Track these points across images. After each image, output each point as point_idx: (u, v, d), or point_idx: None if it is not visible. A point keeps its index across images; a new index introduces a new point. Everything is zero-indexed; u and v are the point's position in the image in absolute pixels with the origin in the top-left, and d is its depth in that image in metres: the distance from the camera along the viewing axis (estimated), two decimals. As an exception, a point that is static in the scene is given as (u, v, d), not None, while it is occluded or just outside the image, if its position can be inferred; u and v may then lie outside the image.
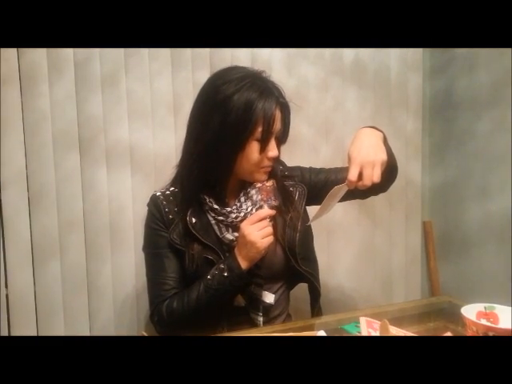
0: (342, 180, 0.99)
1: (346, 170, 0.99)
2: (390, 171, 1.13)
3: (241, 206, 1.13)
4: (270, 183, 1.16)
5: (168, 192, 1.17)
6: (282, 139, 1.15)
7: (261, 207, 1.13)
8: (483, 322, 0.85)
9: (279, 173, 1.22)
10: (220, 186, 1.14)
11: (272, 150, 1.10)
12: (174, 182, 1.20)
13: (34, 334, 1.34)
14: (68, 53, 1.33)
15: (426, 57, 1.90)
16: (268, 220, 1.10)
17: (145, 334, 1.34)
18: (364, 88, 1.78)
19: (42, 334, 1.34)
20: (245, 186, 1.16)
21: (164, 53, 1.46)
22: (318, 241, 1.32)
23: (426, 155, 1.95)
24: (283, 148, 1.19)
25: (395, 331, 0.89)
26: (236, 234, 1.11)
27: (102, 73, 1.38)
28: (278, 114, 1.09)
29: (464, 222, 1.79)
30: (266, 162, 1.12)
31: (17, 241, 1.30)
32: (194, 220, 1.12)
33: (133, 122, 1.44)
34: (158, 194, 1.17)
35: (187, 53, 1.48)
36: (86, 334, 1.41)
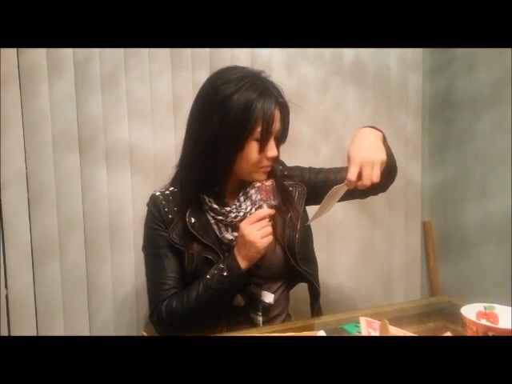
0: (342, 180, 0.99)
1: (345, 169, 0.99)
2: (390, 171, 1.13)
3: (240, 206, 1.13)
4: (269, 183, 1.16)
5: (167, 192, 1.17)
6: (281, 139, 1.15)
7: (260, 207, 1.13)
8: (483, 321, 0.85)
9: (279, 172, 1.22)
10: (219, 185, 1.14)
11: (271, 150, 1.10)
12: (173, 182, 1.20)
13: (33, 333, 1.34)
14: (68, 53, 1.33)
15: (425, 57, 1.90)
16: (267, 220, 1.10)
17: (144, 334, 1.34)
18: (364, 88, 1.78)
19: (42, 333, 1.34)
20: (244, 185, 1.16)
21: (164, 53, 1.46)
22: (318, 241, 1.33)
23: (426, 155, 1.95)
24: (283, 148, 1.19)
25: (395, 331, 0.89)
26: (235, 234, 1.11)
27: (102, 73, 1.38)
28: (277, 114, 1.09)
29: (464, 222, 1.79)
30: (266, 162, 1.12)
31: (16, 241, 1.30)
32: (193, 220, 1.12)
33: (133, 121, 1.44)
34: (158, 193, 1.17)
35: (187, 53, 1.48)
36: (86, 333, 1.41)
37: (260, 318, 1.13)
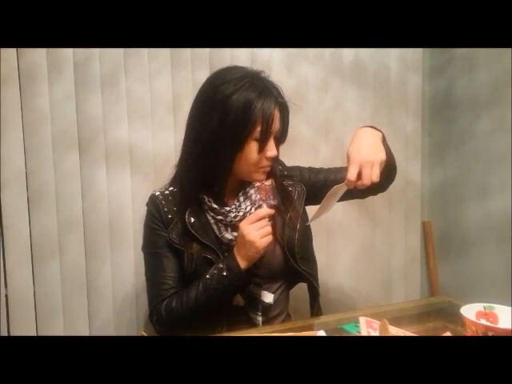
0: (342, 180, 0.99)
1: (345, 169, 0.98)
2: (389, 171, 1.13)
3: (240, 206, 1.13)
4: (268, 182, 1.16)
5: (167, 192, 1.17)
6: (280, 139, 1.15)
7: (260, 206, 1.13)
8: (483, 321, 0.85)
9: (278, 172, 1.22)
10: (219, 185, 1.14)
11: (271, 150, 1.10)
12: (173, 182, 1.20)
13: (33, 333, 1.34)
14: (68, 53, 1.33)
15: (425, 57, 1.90)
16: (267, 219, 1.10)
17: (144, 334, 1.34)
18: (364, 88, 1.78)
19: (42, 333, 1.34)
20: (244, 185, 1.16)
21: (163, 53, 1.46)
22: (318, 241, 1.33)
23: (426, 155, 1.95)
24: (282, 148, 1.19)
25: (395, 331, 0.89)
26: (235, 234, 1.11)
27: (102, 73, 1.38)
28: (276, 114, 1.09)
29: (464, 222, 1.79)
30: (265, 162, 1.12)
31: (16, 240, 1.31)
32: (192, 220, 1.12)
33: (132, 121, 1.44)
34: (157, 193, 1.17)
35: (187, 53, 1.48)
36: (86, 333, 1.41)
37: (260, 318, 1.13)
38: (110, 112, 1.40)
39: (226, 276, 1.06)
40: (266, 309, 1.15)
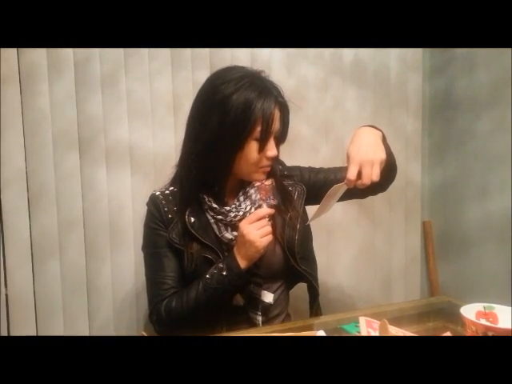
0: (342, 179, 0.99)
1: (345, 169, 0.98)
2: (389, 170, 1.13)
3: (240, 205, 1.13)
4: (268, 182, 1.16)
5: (167, 191, 1.17)
6: (280, 139, 1.15)
7: (260, 206, 1.13)
8: (482, 321, 0.85)
9: (278, 172, 1.22)
10: (219, 185, 1.14)
11: (271, 150, 1.10)
12: (173, 182, 1.20)
13: (33, 333, 1.34)
14: (68, 53, 1.33)
15: (425, 57, 1.90)
16: (267, 219, 1.10)
17: (144, 334, 1.34)
18: (364, 88, 1.78)
19: (42, 333, 1.34)
20: (244, 185, 1.16)
21: (164, 53, 1.46)
22: (318, 240, 1.33)
23: (426, 155, 1.95)
24: (283, 148, 1.19)
25: (395, 331, 0.89)
26: (235, 234, 1.11)
27: (102, 73, 1.38)
28: (276, 114, 1.09)
29: (464, 222, 1.79)
30: (265, 162, 1.12)
31: (16, 240, 1.31)
32: (192, 219, 1.12)
33: (132, 121, 1.44)
34: (158, 193, 1.17)
35: (187, 53, 1.48)
36: (86, 333, 1.41)
37: (259, 318, 1.13)
38: (111, 112, 1.40)
39: (225, 276, 1.06)
40: (266, 309, 1.15)
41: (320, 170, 1.29)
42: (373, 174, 0.96)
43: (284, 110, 1.12)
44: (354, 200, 1.32)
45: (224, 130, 1.06)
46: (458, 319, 0.87)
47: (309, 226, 1.23)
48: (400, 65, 1.84)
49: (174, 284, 1.12)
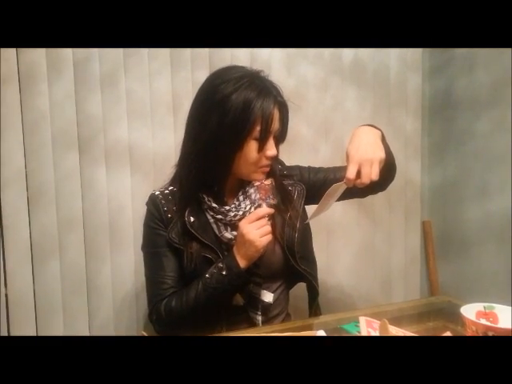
0: (341, 178, 0.99)
1: (344, 168, 0.98)
2: (389, 169, 1.13)
3: (239, 205, 1.13)
4: (268, 182, 1.16)
5: (167, 191, 1.17)
6: (280, 138, 1.15)
7: (259, 206, 1.12)
8: (483, 321, 0.85)
9: (278, 172, 1.22)
10: (218, 185, 1.14)
11: (270, 149, 1.10)
12: (172, 182, 1.20)
13: (33, 333, 1.34)
14: (67, 53, 1.33)
15: (425, 57, 1.90)
16: (267, 219, 1.10)
17: (144, 334, 1.34)
18: (363, 88, 1.78)
19: (42, 333, 1.34)
20: (243, 184, 1.16)
21: (163, 53, 1.46)
22: (318, 240, 1.33)
23: (426, 155, 1.95)
24: (282, 147, 1.19)
25: (395, 331, 0.89)
26: (234, 233, 1.11)
27: (102, 72, 1.38)
28: (276, 113, 1.09)
29: (463, 222, 1.79)
30: (265, 162, 1.12)
31: (16, 240, 1.31)
32: (192, 219, 1.12)
33: (132, 121, 1.44)
34: (157, 193, 1.17)
35: (187, 53, 1.48)
36: (86, 333, 1.41)
37: (259, 318, 1.13)
38: (110, 112, 1.40)
39: (225, 275, 1.06)
40: (266, 308, 1.15)
41: (319, 169, 1.29)
42: (372, 173, 0.96)
43: (283, 109, 1.12)
44: (354, 199, 1.32)
45: (223, 129, 1.06)
46: (458, 319, 0.87)
47: (308, 225, 1.23)
48: (400, 65, 1.84)
49: (173, 284, 1.12)
